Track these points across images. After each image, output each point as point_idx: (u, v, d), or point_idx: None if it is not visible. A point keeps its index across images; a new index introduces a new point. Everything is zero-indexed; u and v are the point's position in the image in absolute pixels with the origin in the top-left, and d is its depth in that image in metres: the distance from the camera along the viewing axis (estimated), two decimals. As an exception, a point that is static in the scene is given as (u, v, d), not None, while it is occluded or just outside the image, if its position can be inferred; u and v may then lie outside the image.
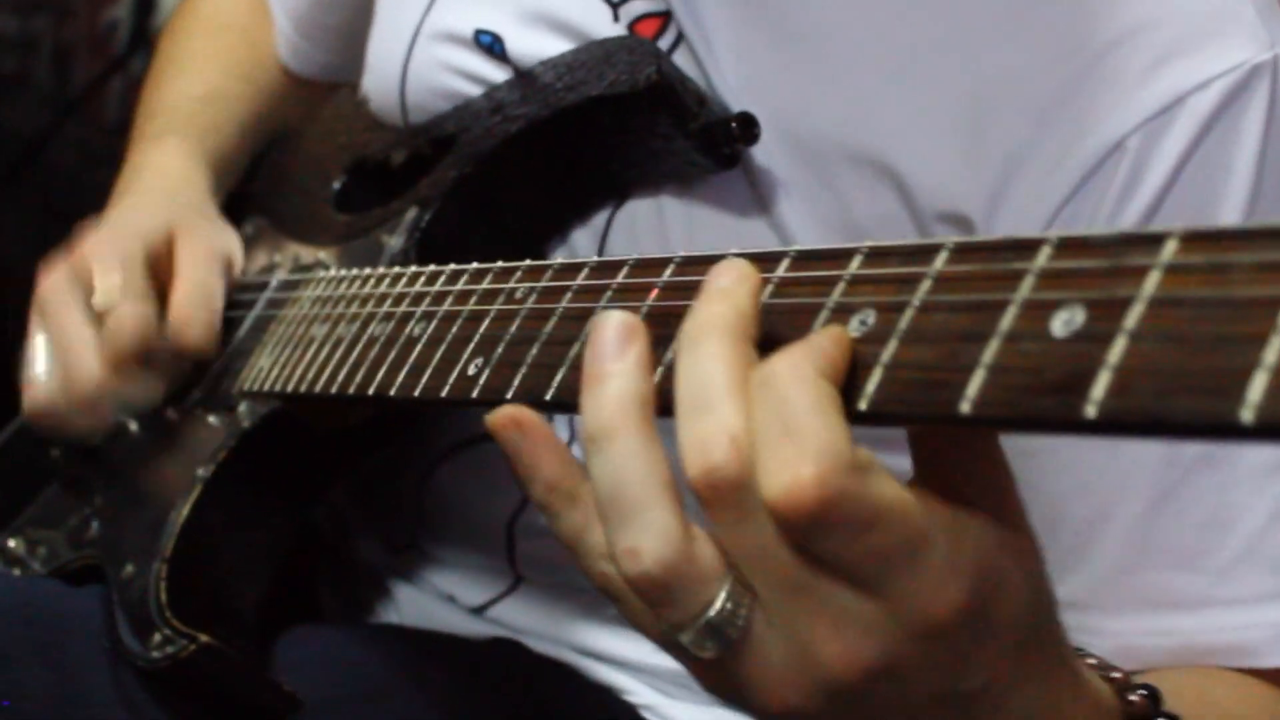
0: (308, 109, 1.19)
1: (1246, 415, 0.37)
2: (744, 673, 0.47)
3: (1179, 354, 0.40)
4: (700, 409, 0.46)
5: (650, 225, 0.85)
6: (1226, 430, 0.38)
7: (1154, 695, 0.57)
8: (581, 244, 0.88)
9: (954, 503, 0.46)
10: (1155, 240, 0.43)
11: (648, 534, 0.46)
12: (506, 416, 0.52)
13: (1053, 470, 0.73)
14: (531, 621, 0.94)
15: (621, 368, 0.48)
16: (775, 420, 0.44)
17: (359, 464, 0.92)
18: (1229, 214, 0.72)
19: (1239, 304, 0.39)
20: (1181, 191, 0.71)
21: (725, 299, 0.49)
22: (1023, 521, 0.48)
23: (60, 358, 0.91)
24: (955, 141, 0.75)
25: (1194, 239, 0.42)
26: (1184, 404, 0.39)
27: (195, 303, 0.92)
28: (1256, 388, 0.37)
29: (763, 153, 0.79)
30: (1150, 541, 0.73)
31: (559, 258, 0.89)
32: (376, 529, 1.03)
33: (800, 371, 0.45)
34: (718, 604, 0.46)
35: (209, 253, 0.97)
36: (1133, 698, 0.56)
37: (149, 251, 0.95)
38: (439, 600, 0.98)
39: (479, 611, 0.96)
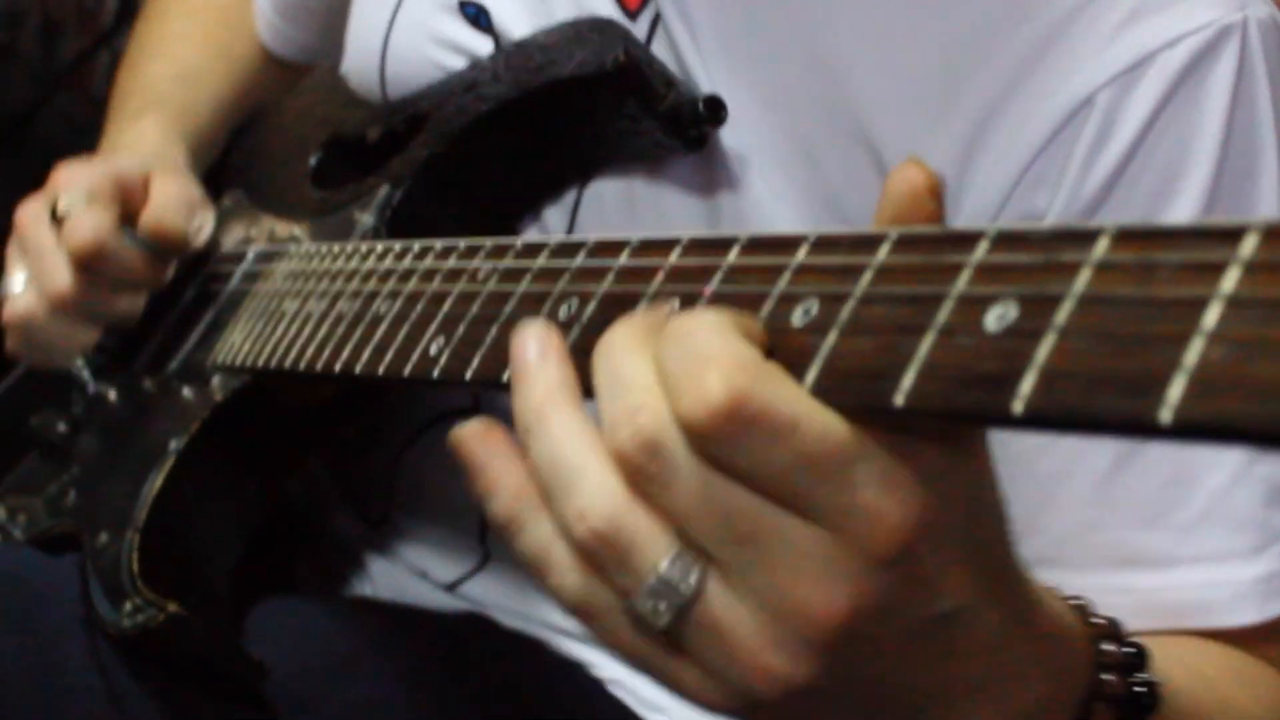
0: (283, 89, 1.19)
1: (1165, 415, 0.38)
2: (716, 648, 0.46)
3: (1104, 352, 0.40)
4: (621, 390, 0.47)
5: (620, 204, 0.85)
6: (1146, 429, 0.38)
7: (1117, 624, 0.57)
8: (553, 221, 0.88)
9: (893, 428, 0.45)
10: (1088, 237, 0.43)
11: (592, 493, 0.46)
12: (473, 433, 0.52)
13: None
14: (501, 598, 0.94)
15: (544, 362, 0.49)
16: (682, 356, 0.45)
17: (331, 439, 0.93)
18: (1197, 171, 0.72)
19: (1162, 304, 0.40)
20: (1151, 147, 0.72)
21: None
22: (977, 445, 0.48)
23: (33, 269, 0.94)
24: (929, 104, 0.76)
25: (1125, 237, 0.42)
26: (1107, 402, 0.39)
27: (167, 202, 0.95)
28: (1175, 389, 0.38)
29: (734, 127, 0.80)
30: (1113, 498, 0.73)
31: (531, 235, 0.89)
32: (351, 503, 1.04)
33: (700, 314, 0.47)
34: (666, 561, 0.46)
35: (184, 185, 0.99)
36: (1096, 619, 0.56)
37: (121, 176, 0.97)
38: (413, 575, 0.99)
39: (450, 588, 0.97)
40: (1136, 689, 0.56)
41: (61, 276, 0.92)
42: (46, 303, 0.93)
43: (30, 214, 0.96)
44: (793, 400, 0.44)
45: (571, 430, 0.48)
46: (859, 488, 0.44)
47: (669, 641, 0.47)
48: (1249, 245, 0.39)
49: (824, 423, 0.44)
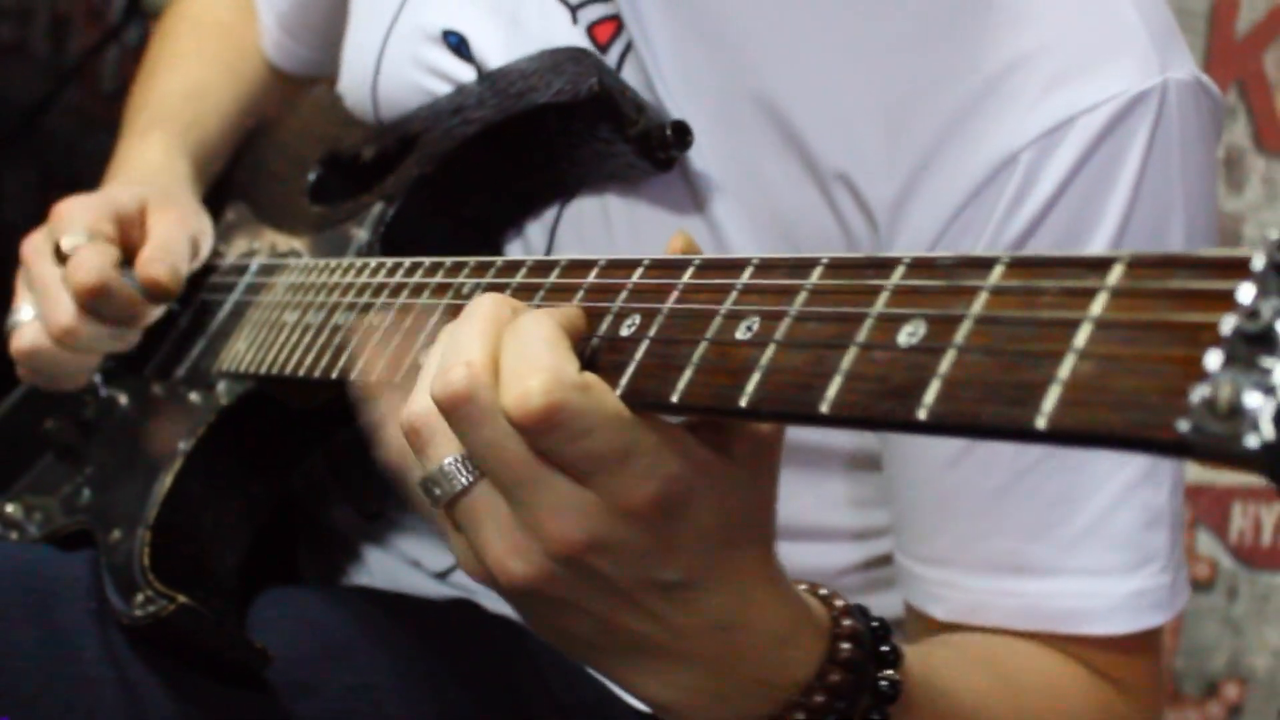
0: (288, 101, 1.25)
1: (1041, 422, 0.44)
2: (478, 536, 0.59)
3: (994, 367, 0.46)
4: (451, 351, 0.59)
5: (596, 222, 0.91)
6: (1026, 434, 0.44)
7: (879, 626, 0.65)
8: (534, 237, 0.94)
9: (686, 432, 0.57)
10: (986, 264, 0.49)
11: (419, 398, 0.61)
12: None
13: (923, 443, 0.81)
14: (489, 586, 1.00)
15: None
16: (516, 352, 0.57)
17: (331, 439, 0.99)
18: (1106, 227, 0.79)
19: (1042, 324, 0.46)
20: (1066, 205, 0.78)
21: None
22: (764, 467, 0.60)
23: (38, 303, 0.99)
24: (870, 148, 0.82)
25: (1016, 264, 0.48)
26: (994, 411, 0.45)
27: (160, 249, 0.99)
28: (1050, 399, 0.44)
29: (699, 151, 0.86)
30: (1005, 512, 0.81)
31: (514, 250, 0.95)
32: (350, 497, 1.09)
33: (539, 319, 0.59)
34: (449, 461, 0.59)
35: (179, 220, 1.04)
36: (846, 622, 0.64)
37: (119, 213, 1.01)
38: (406, 565, 1.05)
39: (442, 576, 1.03)
40: (880, 683, 0.65)
41: (65, 314, 0.97)
42: (51, 338, 0.98)
43: (34, 248, 1.00)
44: (593, 410, 0.56)
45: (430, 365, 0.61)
46: (624, 473, 0.56)
47: (447, 516, 0.61)
48: (1115, 274, 0.45)
49: (616, 425, 0.56)
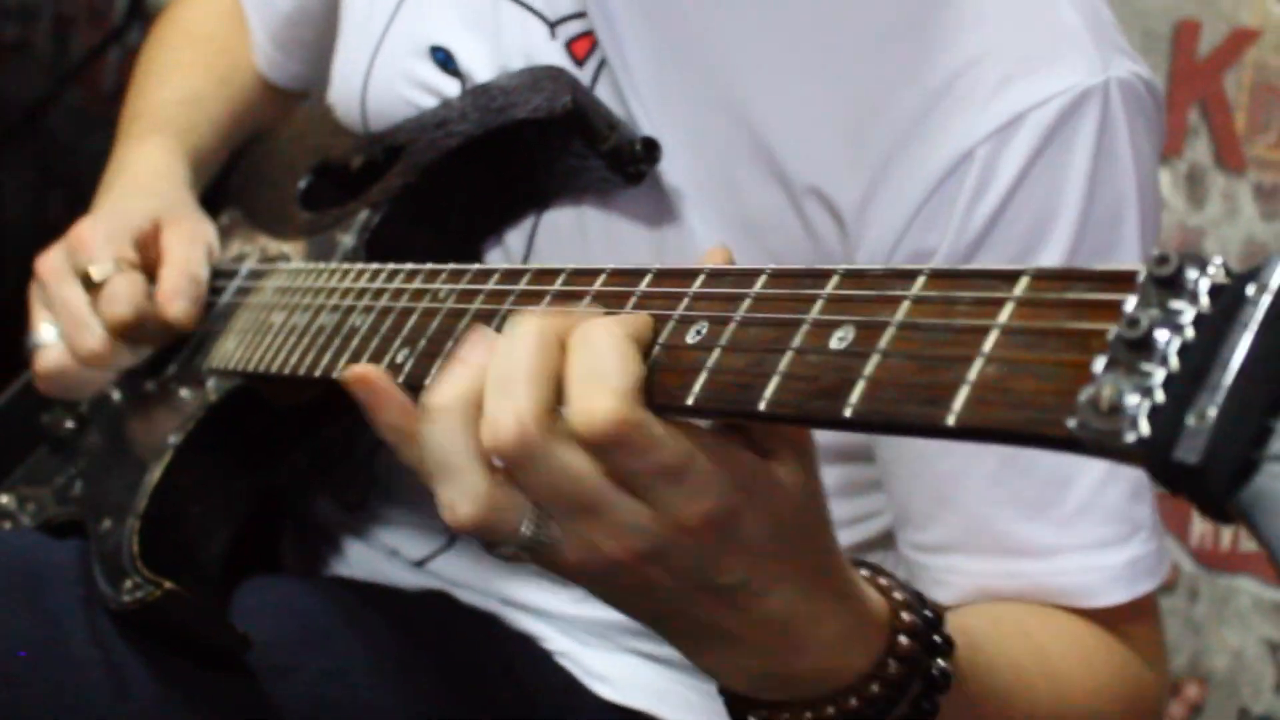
0: (281, 113, 1.29)
1: (950, 420, 0.48)
2: (551, 566, 0.61)
3: (912, 369, 0.50)
4: (501, 391, 0.58)
5: (573, 231, 0.95)
6: (938, 431, 0.49)
7: (934, 616, 0.67)
8: (514, 244, 0.98)
9: (729, 441, 0.58)
10: (911, 275, 0.53)
11: (462, 494, 0.59)
12: (355, 375, 0.66)
13: None
14: (465, 575, 1.04)
15: (465, 369, 0.60)
16: (586, 366, 0.57)
17: (315, 435, 1.03)
18: (1065, 215, 0.83)
19: (956, 331, 0.50)
20: (1025, 195, 0.83)
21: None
22: (805, 466, 0.60)
23: (65, 327, 1.02)
24: (834, 149, 0.86)
25: (937, 276, 0.52)
26: (911, 409, 0.50)
27: (181, 280, 1.03)
28: (960, 398, 0.48)
29: (672, 161, 0.90)
30: (1001, 495, 0.85)
31: (493, 257, 1.00)
32: (333, 490, 1.13)
33: (610, 328, 0.59)
34: (526, 530, 0.60)
35: (193, 237, 1.08)
36: (905, 615, 0.66)
37: (137, 235, 1.06)
38: (385, 555, 1.09)
39: (420, 565, 1.07)
40: (933, 672, 0.66)
41: (96, 341, 1.01)
42: (78, 361, 1.02)
43: (55, 270, 1.04)
44: (658, 422, 0.57)
45: (458, 431, 0.59)
46: (683, 486, 0.57)
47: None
48: (1022, 285, 0.49)
49: (676, 439, 0.57)
